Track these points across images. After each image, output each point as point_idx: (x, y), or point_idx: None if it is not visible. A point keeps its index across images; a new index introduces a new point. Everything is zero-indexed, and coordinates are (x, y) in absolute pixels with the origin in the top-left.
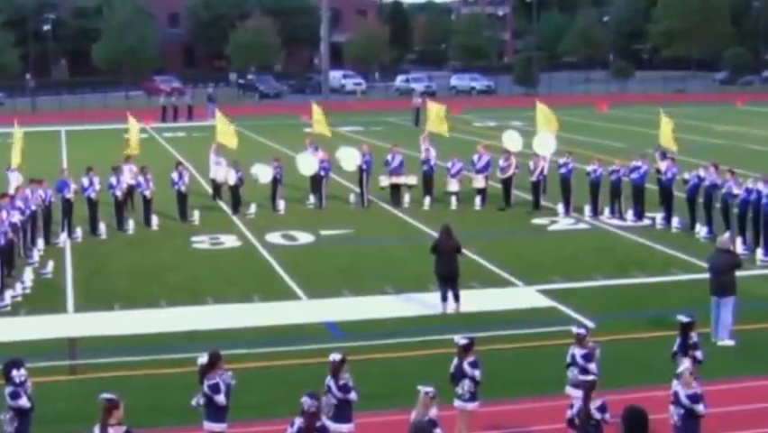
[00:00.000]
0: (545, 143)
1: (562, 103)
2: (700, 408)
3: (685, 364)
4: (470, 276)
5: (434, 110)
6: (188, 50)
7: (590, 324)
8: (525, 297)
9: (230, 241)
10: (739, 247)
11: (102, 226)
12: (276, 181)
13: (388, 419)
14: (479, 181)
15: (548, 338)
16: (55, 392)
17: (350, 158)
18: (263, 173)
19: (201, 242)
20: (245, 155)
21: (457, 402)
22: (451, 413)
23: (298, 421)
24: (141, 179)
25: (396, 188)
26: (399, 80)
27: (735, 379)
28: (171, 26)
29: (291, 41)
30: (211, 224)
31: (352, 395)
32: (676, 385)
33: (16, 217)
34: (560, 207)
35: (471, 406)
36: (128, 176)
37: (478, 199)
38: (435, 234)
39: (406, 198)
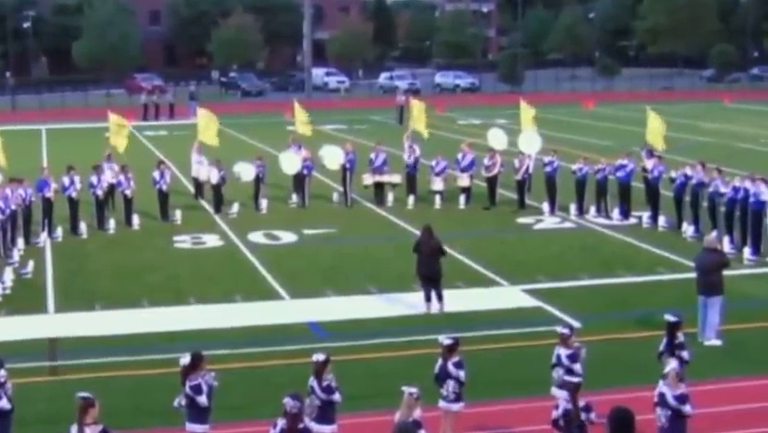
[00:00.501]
0: (531, 142)
1: (547, 101)
2: (688, 408)
3: (671, 365)
4: (455, 276)
5: (417, 108)
6: (170, 47)
7: (576, 324)
8: (510, 296)
9: (212, 240)
10: (726, 246)
11: (83, 226)
12: (258, 180)
13: (371, 420)
14: (463, 180)
15: (533, 339)
16: (36, 393)
17: (333, 156)
18: (246, 172)
19: (183, 241)
20: (227, 154)
21: (442, 403)
22: (435, 414)
23: (281, 423)
24: (122, 178)
25: (379, 187)
26: (383, 78)
27: (722, 379)
28: (152, 24)
29: (274, 38)
30: (193, 223)
31: (336, 396)
32: (662, 386)
33: None
34: (545, 206)
35: (456, 407)
36: (109, 175)
37: (462, 198)
38: (419, 234)
39: (390, 196)
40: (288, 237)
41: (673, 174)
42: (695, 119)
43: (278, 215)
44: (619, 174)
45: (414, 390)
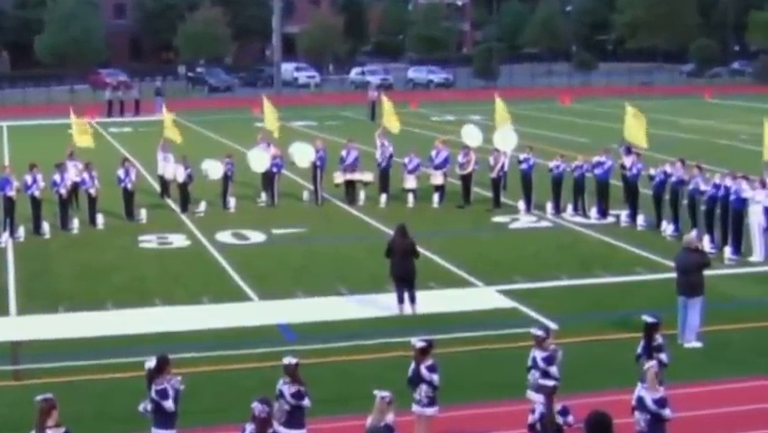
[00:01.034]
0: (506, 138)
1: (523, 96)
2: (667, 412)
3: (650, 363)
4: (429, 276)
5: (387, 106)
6: (135, 42)
7: (553, 325)
8: (485, 297)
9: (178, 240)
10: (706, 245)
11: (45, 226)
12: (226, 178)
13: (342, 424)
14: (437, 178)
15: (509, 340)
16: None
17: (303, 154)
18: (213, 170)
19: (148, 241)
20: (195, 151)
21: (415, 407)
22: (408, 419)
23: (249, 428)
24: (86, 176)
25: (351, 186)
26: (354, 73)
27: (702, 382)
28: (117, 17)
29: (242, 32)
30: (159, 223)
31: (306, 402)
32: (640, 390)
33: None
34: (521, 205)
35: (430, 411)
36: (73, 173)
37: (436, 197)
38: (391, 233)
39: (362, 195)
40: (256, 237)
41: (652, 171)
42: (675, 115)
43: (246, 214)
44: (597, 172)
45: (386, 393)
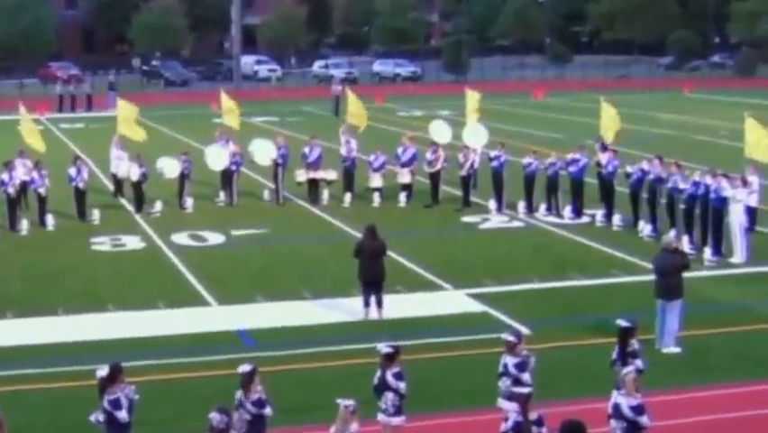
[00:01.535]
0: (476, 135)
1: (494, 90)
2: (645, 420)
3: (628, 368)
4: (396, 279)
5: (352, 101)
6: (87, 33)
7: (525, 330)
8: (454, 301)
9: (133, 242)
10: (686, 246)
11: None
12: (183, 177)
13: None
14: (404, 176)
15: (479, 346)
16: None
17: (264, 151)
18: (169, 168)
19: (101, 243)
20: (150, 148)
21: (381, 417)
22: (374, 429)
23: None
24: (35, 175)
25: (314, 184)
26: (318, 66)
27: (681, 389)
28: (68, 7)
29: (200, 23)
30: (112, 223)
31: (267, 410)
32: (617, 397)
33: None
34: (492, 204)
35: (396, 421)
36: (21, 172)
37: (403, 196)
38: (356, 234)
39: (325, 194)
40: (215, 238)
41: (629, 169)
42: (652, 110)
43: (204, 214)
44: (571, 169)
45: (350, 402)
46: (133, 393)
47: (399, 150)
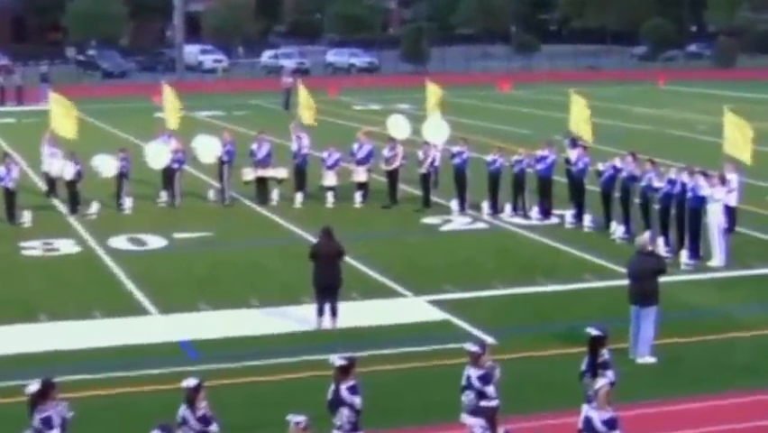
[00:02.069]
0: (437, 130)
1: (457, 82)
2: None
3: (602, 381)
4: (350, 285)
5: (303, 95)
6: (18, 21)
7: (490, 339)
8: (414, 309)
9: (66, 246)
10: (661, 248)
11: None
12: (121, 176)
13: None
14: (359, 174)
15: (441, 357)
16: None
17: (208, 148)
18: (106, 166)
19: (32, 248)
20: (85, 145)
21: None
22: None
23: None
24: None
25: (262, 183)
26: (267, 56)
27: (657, 401)
28: None
29: (139, 10)
30: (44, 226)
31: (213, 427)
32: (588, 410)
33: None
34: (454, 204)
35: None
36: None
37: (358, 195)
38: (308, 237)
39: (275, 194)
40: (155, 242)
41: (601, 167)
42: (625, 103)
43: (144, 216)
44: (539, 167)
45: (301, 418)
46: (67, 411)
47: (355, 146)
